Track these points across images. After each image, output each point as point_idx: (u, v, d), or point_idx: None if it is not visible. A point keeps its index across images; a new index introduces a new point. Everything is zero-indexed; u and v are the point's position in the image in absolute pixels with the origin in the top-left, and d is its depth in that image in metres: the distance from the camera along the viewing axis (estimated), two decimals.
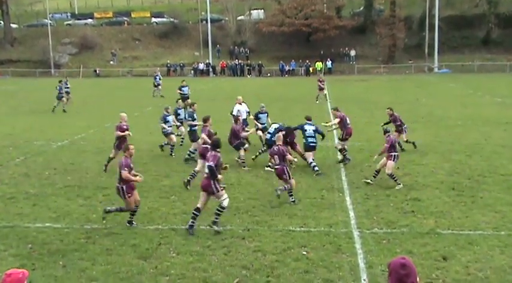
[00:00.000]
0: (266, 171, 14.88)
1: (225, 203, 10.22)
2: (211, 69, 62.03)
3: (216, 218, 10.24)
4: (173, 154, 17.31)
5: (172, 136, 17.60)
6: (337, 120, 16.00)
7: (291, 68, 60.65)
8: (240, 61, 62.23)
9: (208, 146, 11.98)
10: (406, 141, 17.27)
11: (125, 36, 69.58)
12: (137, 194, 10.80)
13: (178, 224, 10.79)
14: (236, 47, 64.66)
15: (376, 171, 13.57)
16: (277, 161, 12.30)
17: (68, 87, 32.64)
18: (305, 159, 15.07)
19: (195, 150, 15.64)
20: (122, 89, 45.93)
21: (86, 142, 20.13)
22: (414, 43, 61.57)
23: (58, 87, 30.03)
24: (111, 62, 65.55)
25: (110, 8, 77.73)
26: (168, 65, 61.47)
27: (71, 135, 21.55)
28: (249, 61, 62.40)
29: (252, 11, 69.03)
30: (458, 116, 25.54)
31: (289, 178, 12.17)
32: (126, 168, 10.35)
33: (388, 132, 13.66)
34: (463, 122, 23.60)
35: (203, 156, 12.12)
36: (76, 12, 78.35)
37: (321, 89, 31.93)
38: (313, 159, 14.96)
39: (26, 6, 76.25)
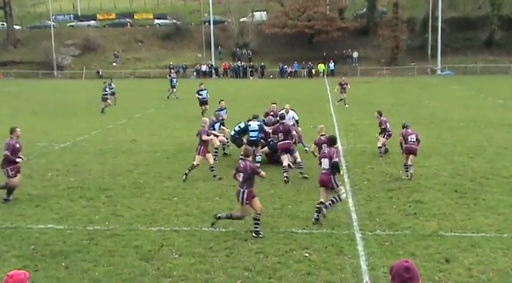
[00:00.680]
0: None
1: (343, 196, 11.13)
2: (213, 71, 62.11)
3: (330, 204, 10.83)
4: (217, 159, 16.58)
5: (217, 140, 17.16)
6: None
7: (293, 70, 60.67)
8: (242, 63, 62.30)
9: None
10: (379, 147, 17.03)
11: (127, 37, 69.72)
12: (257, 201, 10.26)
13: (180, 226, 10.80)
14: (238, 49, 64.72)
15: (405, 165, 14.31)
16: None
17: (112, 88, 32.95)
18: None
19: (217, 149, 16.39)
20: (124, 90, 45.92)
21: (88, 144, 20.16)
22: (417, 45, 61.56)
23: (102, 88, 29.96)
24: (114, 64, 65.68)
25: (113, 9, 77.89)
26: (171, 67, 61.34)
27: (73, 137, 21.59)
28: (251, 63, 62.46)
29: (254, 13, 69.09)
30: (461, 117, 25.52)
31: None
32: (256, 170, 10.16)
33: (407, 127, 14.49)
34: (466, 124, 23.58)
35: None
36: (79, 14, 78.58)
37: (343, 92, 30.93)
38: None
39: (28, 8, 76.43)
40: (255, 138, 15.66)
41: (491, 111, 27.57)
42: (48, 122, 26.66)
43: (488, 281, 8.23)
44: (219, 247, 9.62)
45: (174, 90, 36.56)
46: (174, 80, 37.53)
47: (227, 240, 9.98)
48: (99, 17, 75.49)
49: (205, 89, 27.09)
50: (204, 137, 14.44)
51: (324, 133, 13.54)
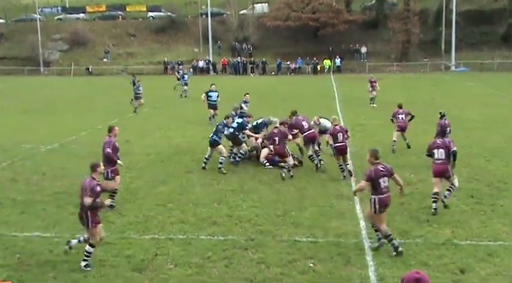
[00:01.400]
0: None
1: (457, 183, 12.29)
2: (211, 67, 62.12)
3: (448, 194, 12.03)
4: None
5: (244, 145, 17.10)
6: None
7: (297, 66, 60.69)
8: (242, 58, 62.33)
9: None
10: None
11: (119, 31, 69.76)
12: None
13: (176, 233, 10.81)
14: (238, 43, 64.74)
15: None
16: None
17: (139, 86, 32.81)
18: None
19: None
20: (115, 88, 46.03)
21: (77, 146, 20.18)
22: (430, 39, 61.51)
23: (135, 86, 29.46)
24: (105, 59, 65.72)
25: (103, 1, 77.88)
26: (179, 63, 60.03)
27: (61, 138, 21.61)
28: (252, 58, 62.49)
29: (255, 5, 69.14)
30: (478, 117, 25.51)
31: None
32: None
33: (444, 116, 15.71)
34: (483, 124, 23.57)
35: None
36: (67, 6, 78.66)
37: (373, 91, 30.76)
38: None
39: (14, 0, 76.51)
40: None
41: (510, 110, 27.55)
42: (34, 121, 26.68)
43: None
44: (218, 257, 9.63)
45: (186, 88, 36.21)
46: (186, 76, 37.37)
47: (226, 249, 9.99)
48: (88, 9, 75.51)
49: (216, 91, 25.22)
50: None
51: (337, 123, 15.19)
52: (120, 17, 73.15)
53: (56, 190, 14.13)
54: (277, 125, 15.95)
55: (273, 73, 60.44)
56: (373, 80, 31.17)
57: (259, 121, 17.72)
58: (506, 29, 59.97)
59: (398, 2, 64.99)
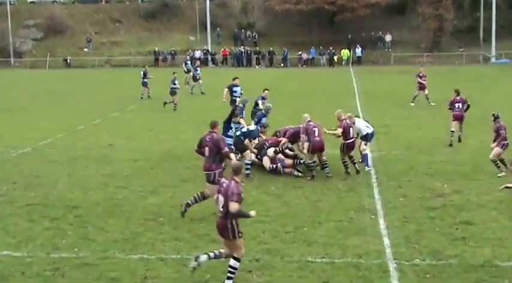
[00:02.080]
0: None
1: None
2: (210, 58, 62.26)
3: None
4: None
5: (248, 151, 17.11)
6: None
7: (310, 57, 60.74)
8: (246, 48, 62.42)
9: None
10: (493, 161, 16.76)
11: (102, 17, 70.05)
12: None
13: (168, 253, 10.81)
14: (241, 30, 64.87)
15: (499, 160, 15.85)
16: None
17: (147, 77, 34.13)
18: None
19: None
20: (98, 82, 46.21)
21: (53, 150, 20.23)
22: (466, 26, 61.50)
23: (171, 81, 29.99)
24: (85, 49, 66.00)
25: None
26: (189, 54, 59.22)
27: (34, 141, 21.67)
28: (257, 48, 62.57)
29: None
30: None
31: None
32: None
33: (498, 118, 15.89)
34: None
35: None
36: None
37: (422, 88, 30.39)
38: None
39: None
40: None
41: None
42: (3, 122, 26.79)
43: None
44: (217, 281, 9.63)
45: (200, 82, 36.68)
46: (199, 69, 37.74)
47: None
48: None
49: (239, 85, 24.64)
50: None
51: (345, 117, 16.35)
52: (103, 0, 73.38)
53: (28, 202, 14.14)
54: (309, 119, 16.35)
55: (282, 65, 60.50)
56: (421, 75, 30.32)
57: (252, 128, 17.01)
58: None
59: None
